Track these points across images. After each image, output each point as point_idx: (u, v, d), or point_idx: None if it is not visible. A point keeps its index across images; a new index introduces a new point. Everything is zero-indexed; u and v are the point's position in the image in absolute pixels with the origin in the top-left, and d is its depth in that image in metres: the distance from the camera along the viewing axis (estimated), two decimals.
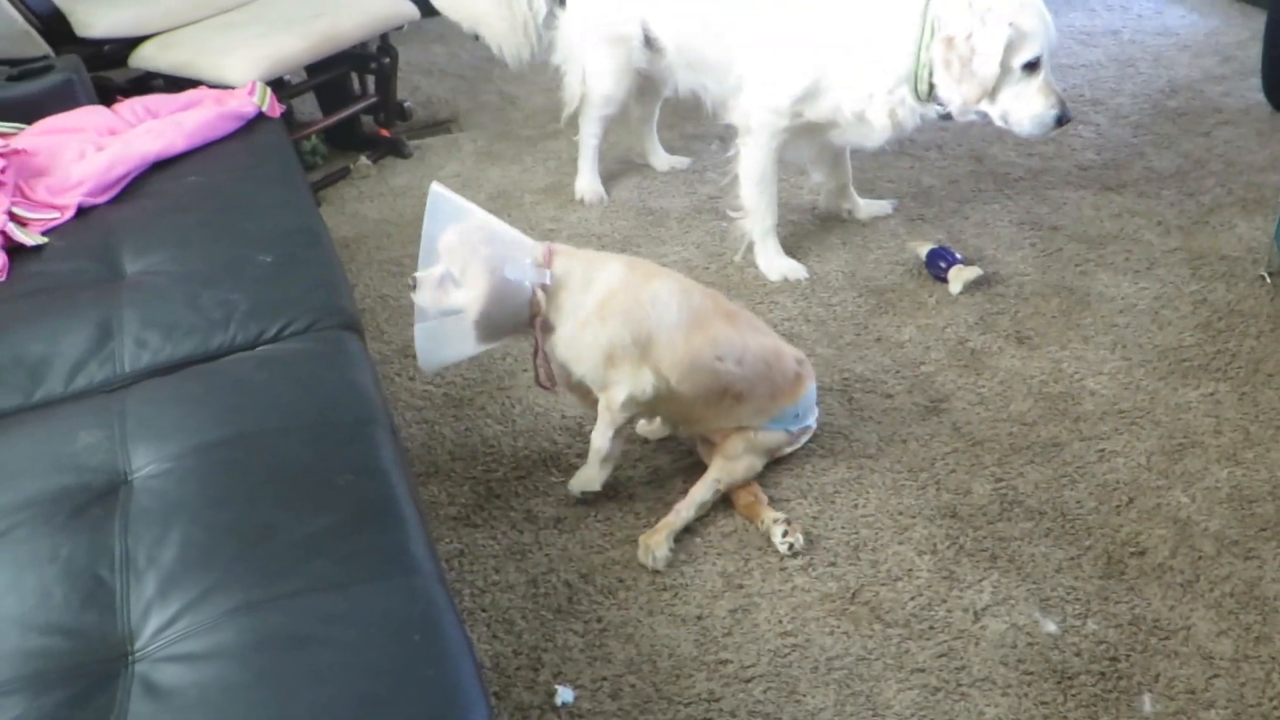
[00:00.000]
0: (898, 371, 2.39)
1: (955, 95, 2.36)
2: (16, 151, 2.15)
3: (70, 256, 2.03)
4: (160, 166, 2.31)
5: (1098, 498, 2.04)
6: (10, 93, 2.42)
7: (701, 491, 2.02)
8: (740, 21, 2.56)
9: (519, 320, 1.95)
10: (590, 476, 2.06)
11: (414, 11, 3.36)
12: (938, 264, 2.67)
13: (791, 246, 2.82)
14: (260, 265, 1.95)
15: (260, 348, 1.75)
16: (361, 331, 1.87)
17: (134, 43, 3.13)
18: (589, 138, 3.15)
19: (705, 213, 3.07)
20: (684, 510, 2.00)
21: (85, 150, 2.28)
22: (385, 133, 3.54)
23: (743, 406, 2.03)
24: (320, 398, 1.61)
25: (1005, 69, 2.31)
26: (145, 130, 2.35)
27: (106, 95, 2.79)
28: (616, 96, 3.02)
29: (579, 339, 1.95)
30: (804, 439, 2.16)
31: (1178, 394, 2.27)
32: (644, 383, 1.94)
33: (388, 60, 3.41)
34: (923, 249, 2.71)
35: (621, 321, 1.92)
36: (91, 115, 2.42)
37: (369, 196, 3.30)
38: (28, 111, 2.41)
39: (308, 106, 3.69)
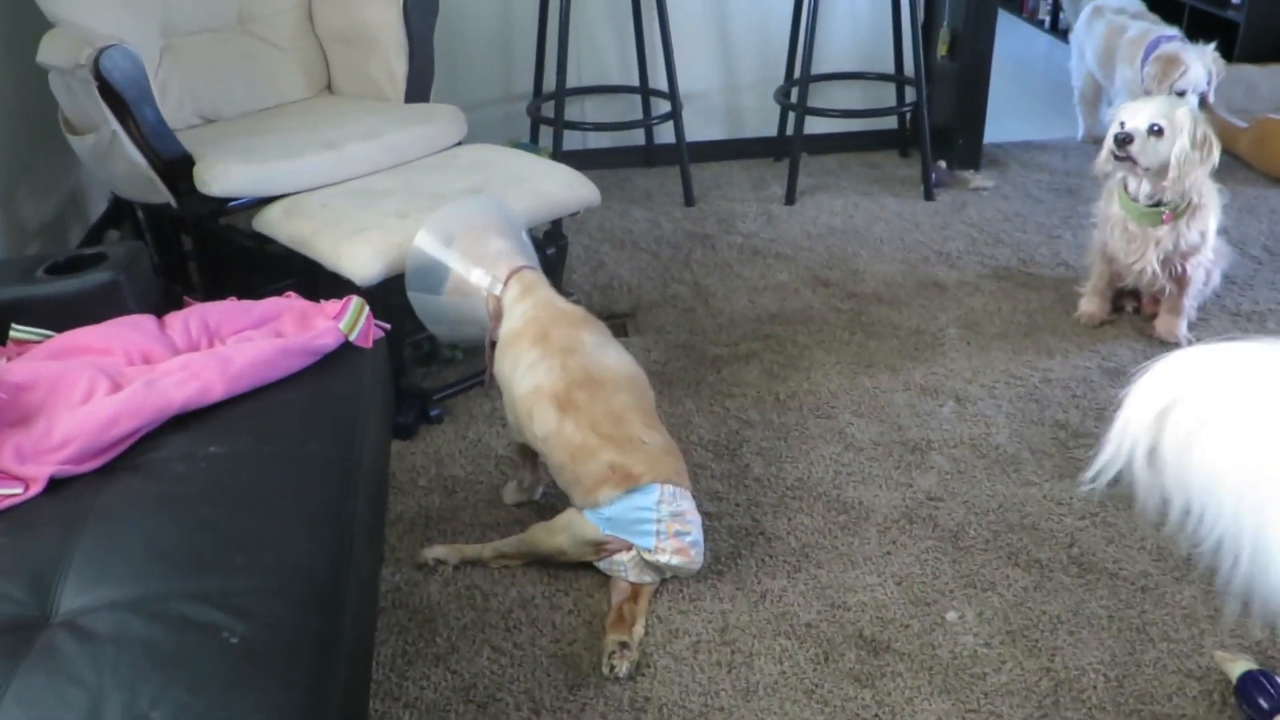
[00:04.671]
0: None
1: None
2: None
3: None
4: (181, 419, 1.75)
5: None
6: (44, 290, 1.93)
7: (509, 541, 2.16)
8: None
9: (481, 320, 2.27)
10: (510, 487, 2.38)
11: (595, 197, 2.75)
12: (1257, 701, 1.77)
13: (1033, 615, 1.99)
14: (222, 646, 1.32)
15: None
16: None
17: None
18: None
19: (920, 521, 2.28)
20: (484, 549, 2.17)
21: (97, 386, 1.74)
22: None
23: (560, 477, 2.11)
24: None
25: None
26: (180, 366, 1.79)
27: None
28: None
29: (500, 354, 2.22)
30: (630, 565, 2.04)
31: None
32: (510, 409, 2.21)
33: (553, 251, 2.81)
34: (1234, 666, 1.83)
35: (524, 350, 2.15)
36: (129, 330, 1.89)
37: (503, 417, 2.68)
38: (64, 313, 1.92)
39: None
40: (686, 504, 2.05)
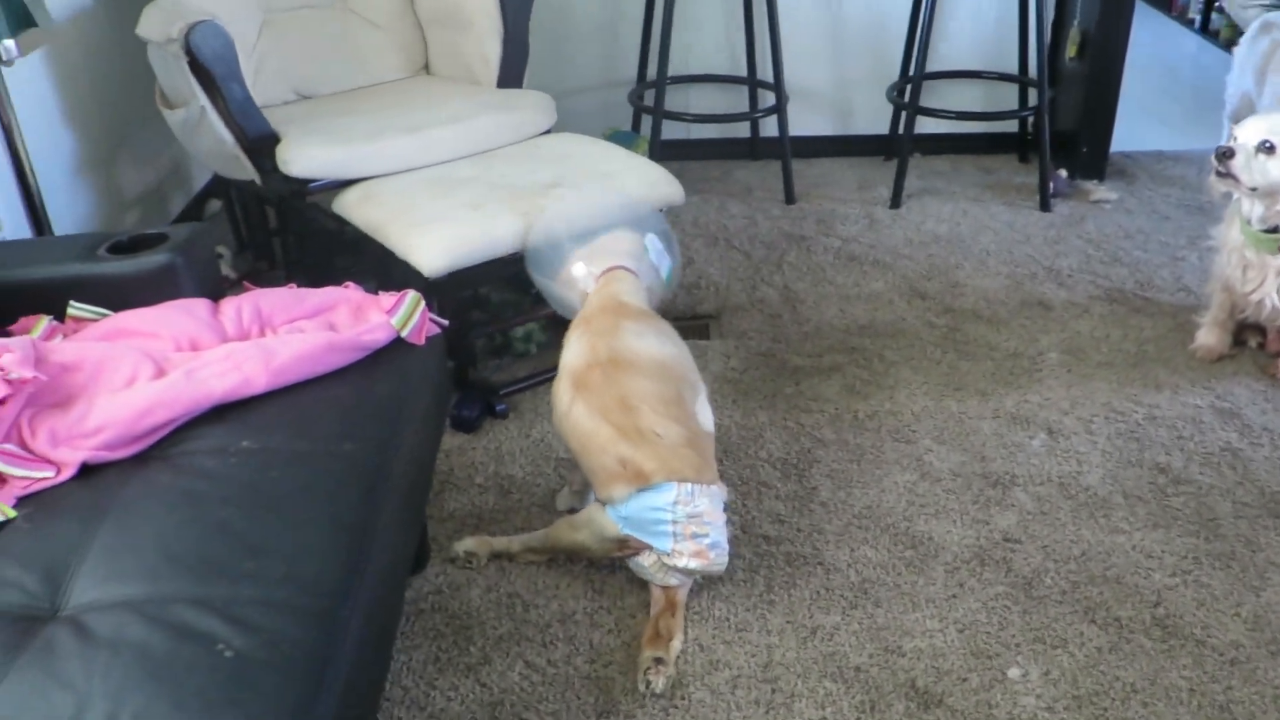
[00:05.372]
0: None
1: None
2: (25, 381, 1.62)
3: (12, 553, 1.45)
4: (220, 410, 1.72)
5: None
6: (101, 269, 1.93)
7: (536, 535, 2.15)
8: None
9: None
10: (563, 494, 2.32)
11: (679, 196, 2.66)
12: None
13: (1104, 680, 1.83)
14: (216, 659, 1.28)
15: None
16: None
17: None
18: None
19: (992, 564, 2.13)
20: (512, 542, 2.16)
21: (139, 372, 1.73)
22: None
23: (581, 466, 2.07)
24: None
25: None
26: (223, 356, 1.77)
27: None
28: None
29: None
30: (662, 571, 1.97)
31: None
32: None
33: None
34: None
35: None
36: (180, 315, 1.87)
37: None
38: (121, 293, 1.91)
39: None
40: (705, 503, 1.94)
